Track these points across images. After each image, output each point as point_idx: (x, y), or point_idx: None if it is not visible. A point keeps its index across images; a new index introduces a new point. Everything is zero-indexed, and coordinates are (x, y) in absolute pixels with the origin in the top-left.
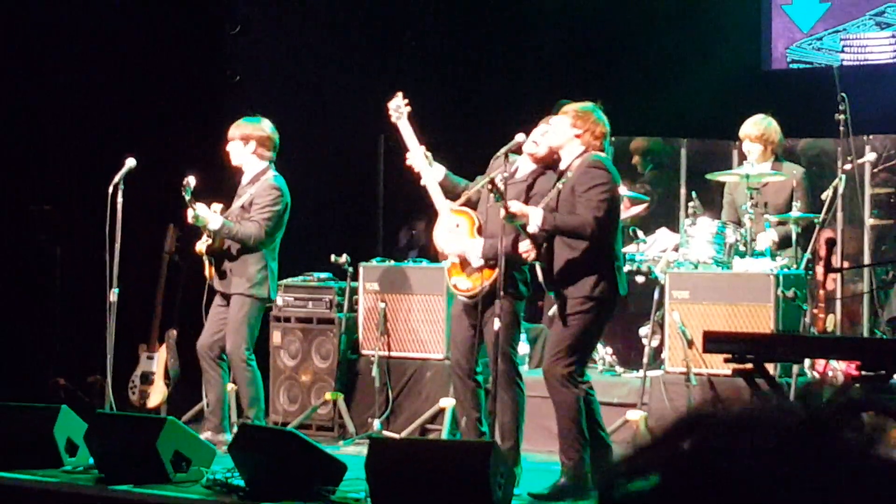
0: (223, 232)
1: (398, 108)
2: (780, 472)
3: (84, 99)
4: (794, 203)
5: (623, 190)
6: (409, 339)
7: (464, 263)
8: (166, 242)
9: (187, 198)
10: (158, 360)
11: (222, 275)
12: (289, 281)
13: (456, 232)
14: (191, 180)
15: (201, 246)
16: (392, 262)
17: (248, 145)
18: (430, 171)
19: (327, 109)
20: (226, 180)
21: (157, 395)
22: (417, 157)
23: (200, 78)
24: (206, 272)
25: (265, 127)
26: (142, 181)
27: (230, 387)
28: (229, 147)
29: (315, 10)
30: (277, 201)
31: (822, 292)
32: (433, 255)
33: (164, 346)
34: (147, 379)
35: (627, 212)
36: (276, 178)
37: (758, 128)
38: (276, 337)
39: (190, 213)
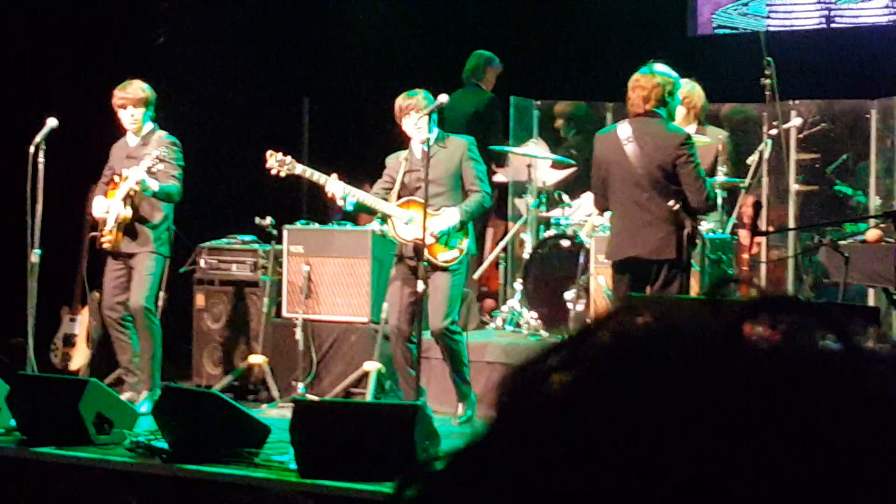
0: (160, 193)
1: (281, 164)
2: (688, 388)
3: (4, 57)
4: (718, 168)
5: (548, 152)
6: (334, 303)
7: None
8: (89, 204)
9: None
10: (81, 323)
11: (132, 236)
12: (213, 243)
13: (414, 222)
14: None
15: (125, 213)
16: (316, 225)
17: (147, 109)
18: (350, 190)
19: (251, 71)
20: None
21: (80, 357)
22: (334, 185)
23: (125, 38)
24: (113, 238)
25: (147, 88)
26: (64, 141)
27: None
28: (130, 112)
29: None
30: (181, 156)
31: (745, 257)
32: (357, 218)
33: (86, 308)
34: (69, 341)
35: (554, 175)
36: (168, 134)
37: (682, 91)
38: (199, 299)
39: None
